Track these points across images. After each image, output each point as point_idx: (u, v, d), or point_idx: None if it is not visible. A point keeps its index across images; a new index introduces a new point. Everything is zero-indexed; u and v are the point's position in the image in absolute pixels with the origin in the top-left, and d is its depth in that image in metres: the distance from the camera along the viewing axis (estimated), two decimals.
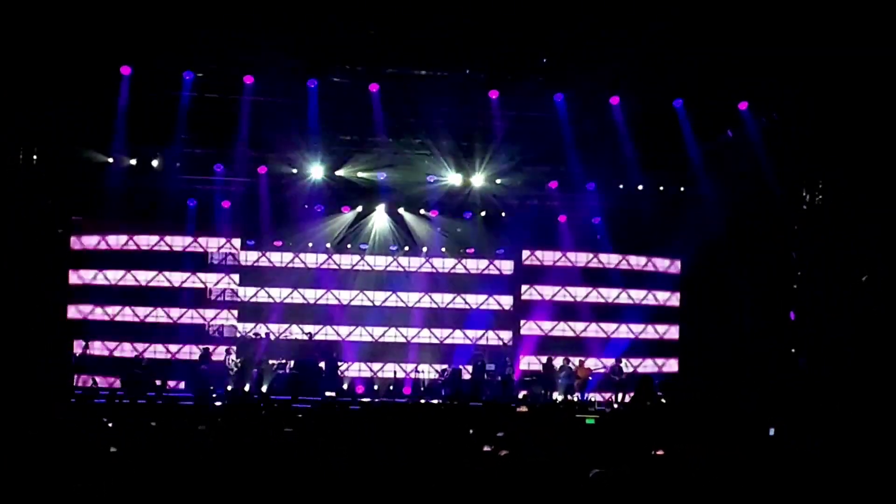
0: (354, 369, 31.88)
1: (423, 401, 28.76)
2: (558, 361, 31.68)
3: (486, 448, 12.30)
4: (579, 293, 33.32)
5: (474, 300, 33.09)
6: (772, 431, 14.64)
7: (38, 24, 23.80)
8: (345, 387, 30.88)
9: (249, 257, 32.14)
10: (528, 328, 33.20)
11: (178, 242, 31.60)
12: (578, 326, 33.25)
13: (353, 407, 21.60)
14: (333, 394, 28.41)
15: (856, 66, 24.66)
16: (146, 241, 31.44)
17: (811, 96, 26.48)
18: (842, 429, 13.66)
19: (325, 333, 32.28)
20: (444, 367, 31.72)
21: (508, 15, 24.55)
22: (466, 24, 24.92)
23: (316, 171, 29.69)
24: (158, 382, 29.52)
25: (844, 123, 26.09)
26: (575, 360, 31.50)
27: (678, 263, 33.32)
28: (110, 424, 14.28)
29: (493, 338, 32.92)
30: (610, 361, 31.98)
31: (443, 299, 33.01)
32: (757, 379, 28.08)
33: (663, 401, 19.97)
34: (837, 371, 26.51)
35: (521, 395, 30.38)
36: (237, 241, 31.87)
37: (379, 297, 32.78)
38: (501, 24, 24.99)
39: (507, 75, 27.50)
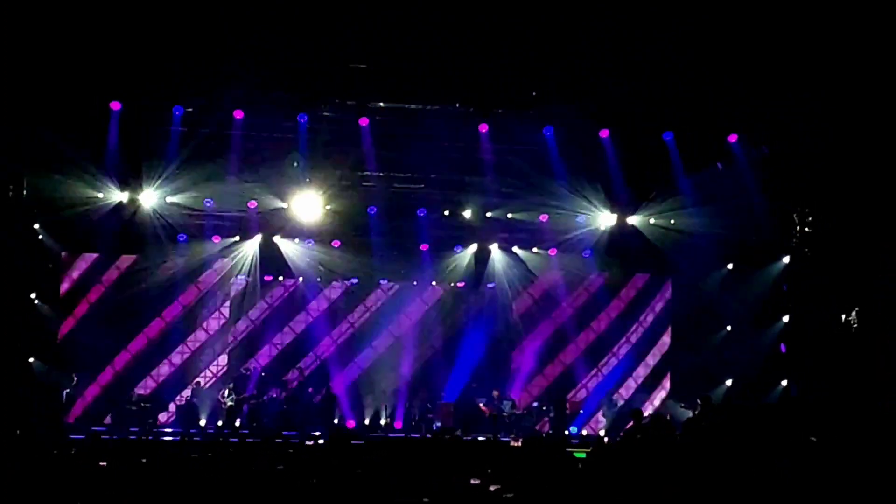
0: (345, 403, 31.75)
1: (414, 435, 28.79)
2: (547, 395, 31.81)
3: (473, 481, 12.29)
4: (570, 326, 33.26)
5: (465, 333, 33.00)
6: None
7: (27, 59, 23.87)
8: (336, 421, 30.83)
9: (240, 292, 32.06)
10: (519, 361, 33.13)
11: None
12: (569, 359, 33.19)
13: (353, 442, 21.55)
14: (318, 434, 28.14)
15: (848, 97, 24.82)
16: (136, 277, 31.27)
17: (802, 128, 26.60)
18: (834, 462, 13.65)
19: (316, 368, 32.23)
20: (436, 401, 31.65)
21: (498, 49, 24.69)
22: (456, 58, 25.04)
23: (306, 205, 29.65)
24: (151, 420, 29.52)
25: (835, 155, 26.23)
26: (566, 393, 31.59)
27: (668, 295, 33.31)
28: (102, 463, 14.20)
29: (484, 371, 32.86)
30: (601, 394, 32.03)
31: (433, 333, 32.93)
32: (749, 410, 28.06)
33: (654, 433, 19.89)
34: (829, 402, 26.55)
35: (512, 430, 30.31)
36: (228, 276, 31.77)
37: (369, 330, 32.71)
38: (491, 59, 25.12)
39: (496, 108, 27.61)
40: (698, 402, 24.97)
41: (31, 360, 28.81)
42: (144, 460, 14.50)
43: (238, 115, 27.24)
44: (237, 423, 29.51)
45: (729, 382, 31.24)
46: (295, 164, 28.61)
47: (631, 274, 33.04)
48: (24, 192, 27.73)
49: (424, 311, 33.05)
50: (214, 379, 31.52)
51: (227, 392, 30.39)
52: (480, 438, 27.70)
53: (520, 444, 24.00)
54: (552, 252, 32.57)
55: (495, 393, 31.39)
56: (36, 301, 29.31)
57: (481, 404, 31.15)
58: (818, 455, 13.35)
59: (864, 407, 25.23)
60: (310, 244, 31.49)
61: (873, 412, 24.84)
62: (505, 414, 30.95)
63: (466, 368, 32.48)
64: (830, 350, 27.85)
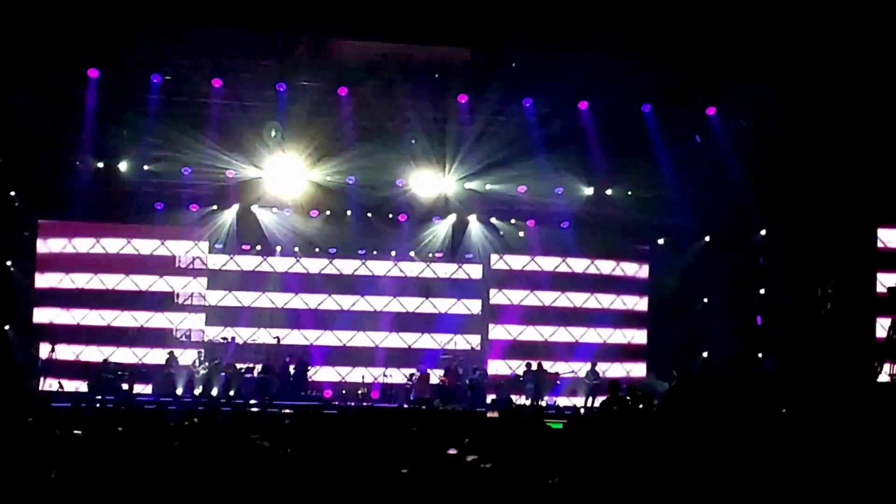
0: (322, 374, 31.78)
1: (391, 405, 28.80)
2: (523, 366, 31.76)
3: (451, 451, 12.29)
4: (548, 298, 33.31)
5: (443, 304, 33.04)
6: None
7: (4, 24, 23.67)
8: (312, 392, 30.82)
9: (217, 261, 32.01)
10: (497, 333, 33.18)
11: (146, 246, 31.43)
12: (547, 331, 33.23)
13: (327, 411, 21.55)
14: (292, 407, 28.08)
15: (823, 70, 24.84)
16: (113, 245, 31.25)
17: (779, 102, 26.62)
18: (809, 434, 13.73)
19: (294, 337, 32.17)
20: (413, 371, 31.62)
21: (478, 19, 24.60)
22: (436, 28, 24.96)
23: (284, 175, 29.62)
24: (125, 386, 29.42)
25: (813, 129, 26.27)
26: (544, 364, 31.59)
27: (646, 268, 33.38)
28: (77, 432, 14.14)
29: (461, 342, 32.91)
30: (578, 365, 32.02)
31: (411, 303, 32.94)
32: (724, 383, 28.16)
33: (629, 401, 19.95)
34: (803, 375, 26.69)
35: (489, 400, 30.31)
36: (205, 245, 31.74)
37: (347, 301, 32.67)
38: (471, 29, 25.04)
39: (476, 79, 27.57)
40: (674, 373, 25.03)
41: (6, 327, 28.73)
42: (121, 429, 14.46)
43: (217, 83, 27.15)
44: (214, 393, 29.44)
45: (705, 354, 31.38)
46: (273, 133, 28.52)
47: (609, 245, 33.00)
48: (0, 160, 27.59)
49: (402, 281, 33.00)
50: (191, 348, 31.37)
51: (197, 362, 30.33)
52: (458, 409, 27.78)
53: (497, 415, 24.04)
54: (530, 223, 32.63)
55: (454, 364, 31.45)
56: (11, 269, 29.22)
57: (439, 375, 31.16)
58: (799, 438, 13.39)
59: (838, 381, 25.38)
60: (288, 214, 31.47)
61: (847, 385, 25.00)
62: (483, 385, 30.98)
63: (444, 339, 32.55)
64: (806, 322, 27.95)
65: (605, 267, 33.50)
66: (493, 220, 32.56)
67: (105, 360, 30.15)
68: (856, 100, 25.14)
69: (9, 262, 29.12)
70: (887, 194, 26.65)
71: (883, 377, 26.17)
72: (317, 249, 32.35)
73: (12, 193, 28.69)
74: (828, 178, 26.76)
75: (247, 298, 32.11)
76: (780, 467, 10.60)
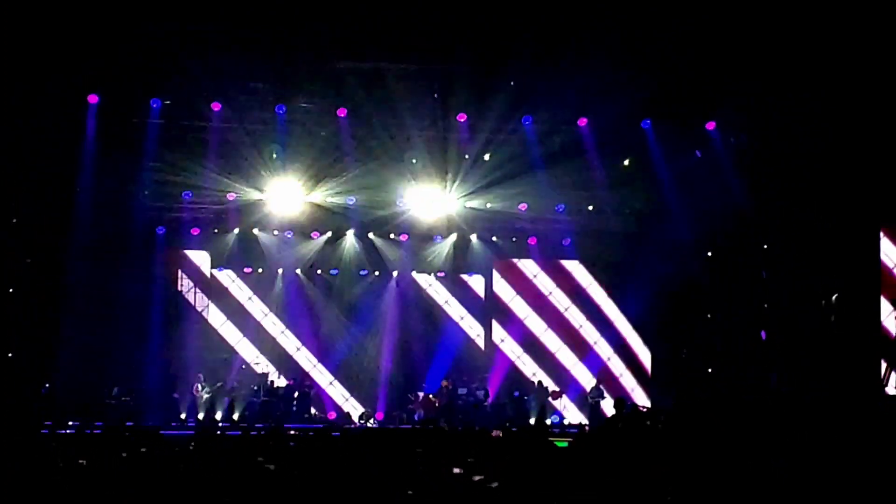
0: (326, 395, 31.71)
1: (395, 426, 28.73)
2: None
3: (455, 470, 12.28)
4: (550, 315, 33.23)
5: (445, 323, 32.98)
6: None
7: (3, 51, 23.71)
8: (316, 414, 30.78)
9: (219, 284, 31.97)
10: (499, 351, 33.11)
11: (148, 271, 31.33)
12: (550, 349, 33.15)
13: (334, 433, 21.50)
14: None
15: (824, 82, 24.84)
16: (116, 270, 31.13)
17: (779, 115, 26.62)
18: (811, 447, 13.69)
19: (296, 359, 32.13)
20: (417, 392, 31.57)
21: (475, 38, 24.64)
22: (434, 47, 25.01)
23: (284, 197, 29.62)
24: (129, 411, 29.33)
25: (814, 142, 26.25)
26: (546, 382, 31.65)
27: (648, 283, 33.28)
28: (82, 461, 14.09)
29: (464, 360, 32.84)
30: (585, 383, 32.03)
31: (414, 323, 32.87)
32: (729, 398, 28.07)
33: (634, 417, 19.91)
34: (803, 375, 26.67)
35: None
36: (207, 268, 31.71)
37: (350, 321, 32.62)
38: (468, 48, 25.07)
39: (474, 98, 27.54)
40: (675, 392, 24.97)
41: (10, 354, 28.67)
42: (125, 454, 14.42)
43: (216, 107, 27.15)
44: (218, 416, 29.40)
45: (710, 370, 31.28)
46: (274, 155, 28.56)
47: (611, 261, 32.95)
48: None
49: (404, 301, 32.97)
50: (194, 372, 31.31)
51: (199, 386, 30.25)
52: (460, 429, 27.72)
53: (501, 434, 24.00)
54: (532, 241, 32.61)
55: (444, 383, 31.41)
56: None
57: (431, 395, 31.11)
58: (804, 446, 13.35)
59: (840, 384, 25.34)
60: (289, 235, 31.48)
61: (849, 388, 24.97)
62: (486, 404, 30.99)
63: (447, 359, 32.47)
64: (810, 336, 27.87)
65: (608, 283, 33.42)
66: (494, 238, 32.57)
67: (109, 386, 30.05)
68: (859, 112, 25.11)
69: (10, 290, 29.05)
70: (891, 204, 26.63)
71: (891, 389, 26.16)
72: (318, 271, 32.38)
73: (14, 221, 28.65)
74: (830, 190, 26.70)
75: (249, 321, 32.07)
76: (780, 467, 10.58)
